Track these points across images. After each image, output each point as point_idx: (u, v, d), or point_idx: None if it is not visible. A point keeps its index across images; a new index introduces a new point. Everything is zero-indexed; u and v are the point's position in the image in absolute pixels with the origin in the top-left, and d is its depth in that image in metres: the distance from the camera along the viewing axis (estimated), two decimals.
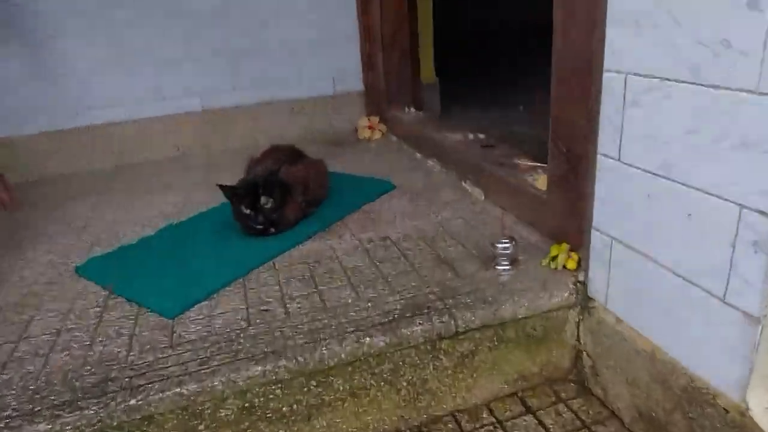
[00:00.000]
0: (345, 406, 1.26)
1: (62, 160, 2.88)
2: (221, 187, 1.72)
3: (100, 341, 1.32)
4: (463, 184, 2.13)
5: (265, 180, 1.71)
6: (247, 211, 1.69)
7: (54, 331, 1.38)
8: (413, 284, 1.44)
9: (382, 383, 1.28)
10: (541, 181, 1.65)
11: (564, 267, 1.44)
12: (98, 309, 1.47)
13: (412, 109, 2.98)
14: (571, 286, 1.38)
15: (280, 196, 1.72)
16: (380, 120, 3.08)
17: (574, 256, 1.44)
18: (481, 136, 2.34)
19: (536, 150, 2.03)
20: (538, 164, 1.79)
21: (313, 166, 1.97)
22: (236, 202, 1.72)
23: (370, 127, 3.04)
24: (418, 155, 2.60)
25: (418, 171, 2.39)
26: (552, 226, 1.57)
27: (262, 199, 1.69)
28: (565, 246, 1.46)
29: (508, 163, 1.92)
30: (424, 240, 1.71)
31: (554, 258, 1.46)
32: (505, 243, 1.44)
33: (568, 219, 1.49)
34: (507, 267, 1.46)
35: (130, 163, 2.95)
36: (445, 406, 1.35)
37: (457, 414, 1.37)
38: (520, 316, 1.34)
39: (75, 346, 1.31)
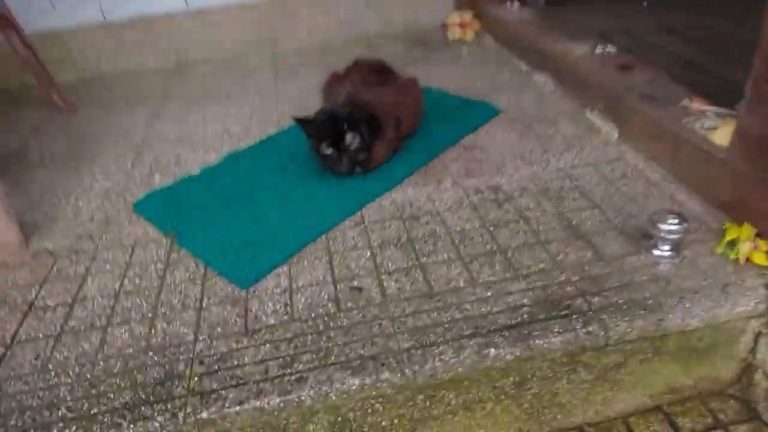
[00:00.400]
0: (455, 420, 1.03)
1: (118, 57, 2.59)
2: (297, 120, 1.40)
3: (163, 314, 1.11)
4: (588, 114, 1.71)
5: (351, 113, 1.37)
6: (329, 151, 1.38)
7: (111, 293, 1.19)
8: (542, 266, 1.13)
9: (503, 397, 1.02)
10: (720, 134, 1.22)
11: (748, 260, 1.08)
12: (160, 266, 1.25)
13: (515, 4, 2.45)
14: (763, 291, 1.03)
15: (368, 132, 1.39)
16: (474, 16, 2.56)
17: (763, 245, 1.08)
18: (611, 48, 1.85)
19: (693, 79, 1.56)
20: (718, 108, 1.34)
21: (407, 91, 1.59)
22: (316, 139, 1.40)
23: (461, 26, 2.54)
24: (523, 66, 2.14)
25: (525, 90, 1.95)
26: (730, 199, 1.18)
27: (348, 137, 1.36)
28: (748, 229, 1.09)
29: (661, 96, 1.47)
30: (546, 196, 1.36)
31: (731, 244, 1.10)
32: (674, 223, 1.08)
33: (759, 192, 1.10)
34: (669, 253, 1.11)
35: (190, 60, 2.63)
36: (573, 420, 1.10)
37: (585, 427, 1.12)
38: (689, 329, 1.02)
39: (135, 317, 1.11)
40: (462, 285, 1.10)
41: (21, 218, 1.48)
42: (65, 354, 1.04)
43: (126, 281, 1.22)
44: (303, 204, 1.39)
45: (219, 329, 1.06)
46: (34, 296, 1.20)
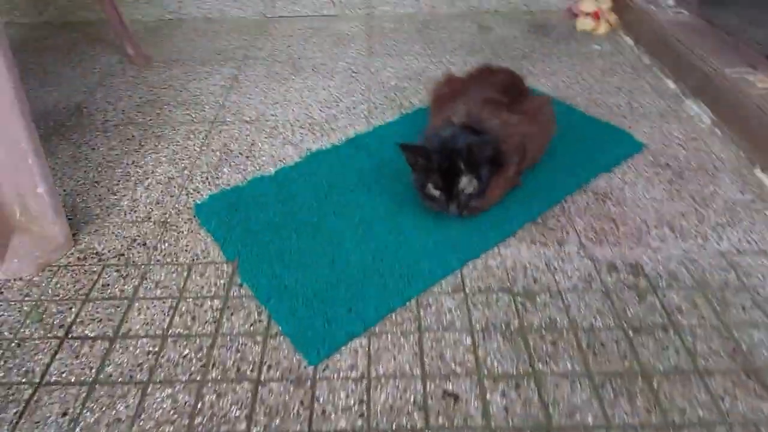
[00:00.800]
0: None
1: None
2: (403, 148, 1.13)
3: (214, 379, 0.91)
4: (760, 173, 1.34)
5: (471, 149, 1.08)
6: (436, 193, 1.11)
7: (158, 332, 1.00)
8: (700, 413, 0.85)
9: None
10: None
11: None
12: (217, 303, 1.05)
13: (670, 2, 2.01)
14: None
15: (488, 173, 1.11)
16: (613, 5, 2.14)
17: None
18: None
19: None
20: None
21: (538, 116, 1.28)
22: (422, 174, 1.13)
23: (595, 16, 2.13)
24: (671, 84, 1.75)
25: (672, 119, 1.58)
26: None
27: (463, 181, 1.09)
28: None
29: None
30: (705, 294, 1.05)
31: None
32: None
33: None
34: None
35: (276, 13, 2.36)
36: None
37: None
38: None
39: (181, 376, 0.92)
40: (591, 423, 0.84)
41: (72, 202, 1.31)
42: (96, 416, 0.87)
43: (176, 318, 1.02)
44: (391, 245, 1.14)
45: (277, 421, 0.85)
46: (72, 318, 1.03)
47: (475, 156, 1.07)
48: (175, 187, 1.37)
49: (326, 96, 1.75)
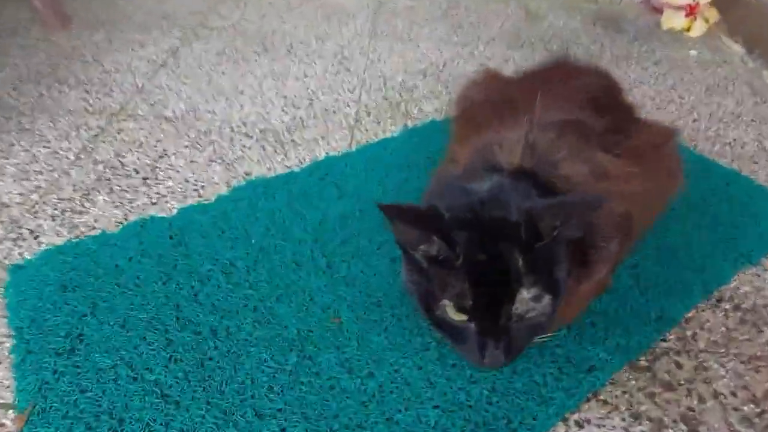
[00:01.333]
0: None
1: None
2: (387, 211, 0.50)
3: None
4: None
5: (533, 228, 0.49)
6: (460, 318, 0.51)
7: None
8: None
9: None
10: None
11: None
12: None
13: None
14: None
15: (567, 275, 0.52)
16: (713, 1, 1.54)
17: None
18: None
19: None
20: None
21: (657, 162, 0.67)
22: (428, 272, 0.52)
23: (689, 10, 1.53)
24: None
25: None
26: None
27: (522, 297, 0.49)
28: None
29: None
30: None
31: None
32: None
33: None
34: None
35: None
36: None
37: None
38: None
39: None
40: None
41: None
42: None
43: None
44: (355, 401, 0.56)
45: None
46: None
47: (551, 243, 0.48)
48: (2, 222, 0.80)
49: (297, 89, 1.17)
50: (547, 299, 0.50)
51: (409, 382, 0.59)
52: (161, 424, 0.54)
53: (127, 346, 0.61)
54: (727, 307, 0.72)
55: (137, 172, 0.91)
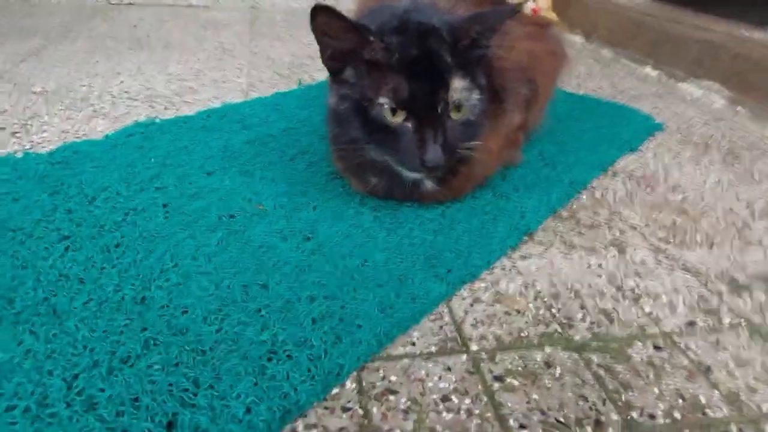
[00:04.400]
0: None
1: None
2: (319, 11, 0.49)
3: None
4: None
5: (464, 27, 0.51)
6: (395, 120, 0.51)
7: None
8: None
9: None
10: None
11: None
12: None
13: None
14: None
15: (484, 97, 0.54)
16: (551, 6, 1.80)
17: None
18: None
19: None
20: None
21: (545, 38, 0.74)
22: (361, 81, 0.52)
23: (534, 13, 1.77)
24: (650, 71, 1.37)
25: (677, 100, 1.16)
26: None
27: (456, 85, 0.50)
28: None
29: None
30: None
31: None
32: None
33: None
34: None
35: (125, 2, 1.74)
36: None
37: None
38: None
39: None
40: None
41: None
42: None
43: None
44: (292, 267, 0.51)
45: None
46: None
47: (471, 43, 0.50)
48: None
49: (181, 69, 1.13)
50: (476, 95, 0.51)
51: (350, 235, 0.55)
52: (64, 296, 0.45)
53: (9, 248, 0.51)
54: (623, 176, 0.79)
55: (2, 129, 0.80)
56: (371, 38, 0.49)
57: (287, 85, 1.07)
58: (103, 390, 0.37)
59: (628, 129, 0.94)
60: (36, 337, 0.41)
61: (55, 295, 0.45)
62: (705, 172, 0.83)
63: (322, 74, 1.15)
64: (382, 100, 0.49)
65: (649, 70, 1.38)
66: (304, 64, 1.22)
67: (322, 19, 0.49)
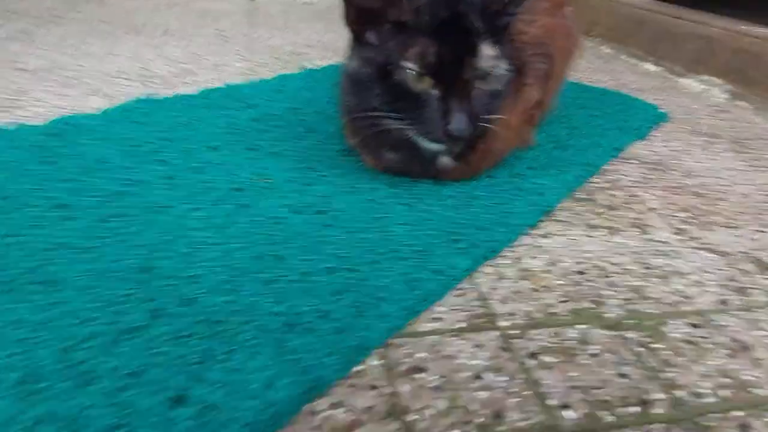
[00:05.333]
0: None
1: None
2: None
3: None
4: None
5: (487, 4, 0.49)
6: (422, 85, 0.48)
7: None
8: None
9: None
10: None
11: None
12: None
13: None
14: None
15: (510, 68, 0.52)
16: None
17: None
18: None
19: None
20: None
21: (561, 10, 0.72)
22: (386, 44, 0.49)
23: None
24: (653, 67, 1.36)
25: (679, 94, 1.15)
26: None
27: (484, 52, 0.47)
28: None
29: None
30: None
31: None
32: None
33: None
34: None
35: None
36: None
37: None
38: None
39: None
40: None
41: None
42: None
43: None
44: (301, 245, 0.48)
45: None
46: None
47: (502, 8, 0.48)
48: None
49: (180, 53, 1.10)
50: (504, 64, 0.49)
51: (366, 209, 0.53)
52: (60, 265, 0.41)
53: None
54: (635, 162, 0.77)
55: None
56: (384, 5, 0.47)
57: (289, 71, 1.04)
58: (103, 363, 0.34)
59: (636, 117, 0.92)
60: (29, 306, 0.38)
61: (51, 264, 0.41)
62: (716, 160, 0.81)
63: (324, 61, 1.13)
64: (408, 64, 0.47)
65: (649, 65, 1.37)
66: (304, 53, 1.19)
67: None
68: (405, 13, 0.47)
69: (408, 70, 0.47)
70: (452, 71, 0.47)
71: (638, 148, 0.83)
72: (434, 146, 0.53)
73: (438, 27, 0.47)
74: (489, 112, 0.51)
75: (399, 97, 0.49)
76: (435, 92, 0.48)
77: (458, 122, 0.46)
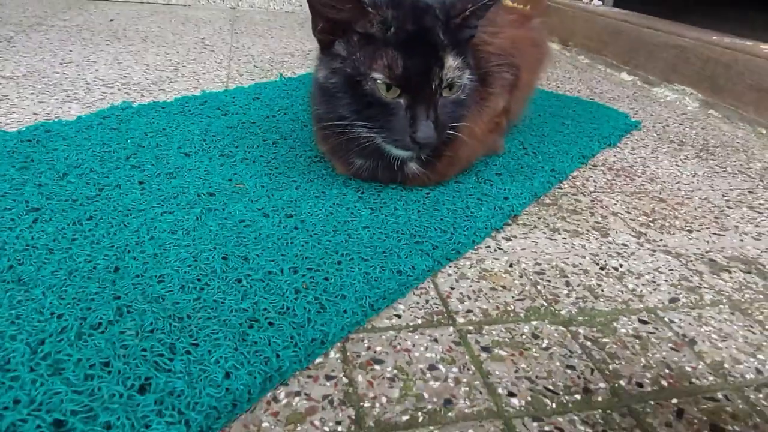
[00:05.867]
0: None
1: None
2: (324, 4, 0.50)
3: None
4: None
5: (456, 5, 0.51)
6: (389, 95, 0.50)
7: None
8: None
9: None
10: None
11: None
12: None
13: (596, 1, 1.74)
14: None
15: (473, 61, 0.54)
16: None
17: None
18: None
19: None
20: None
21: (529, 29, 0.75)
22: (353, 55, 0.51)
23: None
24: (628, 77, 1.40)
25: (652, 102, 1.19)
26: None
27: (449, 63, 0.50)
28: None
29: None
30: None
31: None
32: None
33: None
34: None
35: None
36: None
37: None
38: None
39: None
40: None
41: None
42: None
43: None
44: (266, 248, 0.50)
45: None
46: None
47: (463, 22, 0.50)
48: None
49: (159, 60, 1.11)
50: (467, 74, 0.51)
51: (333, 213, 0.54)
52: (32, 265, 0.42)
53: None
54: (603, 168, 0.80)
55: None
56: (369, 9, 0.49)
57: (268, 78, 1.06)
58: (70, 355, 0.35)
59: (607, 125, 0.95)
60: (0, 303, 0.39)
61: (22, 264, 0.43)
62: (681, 166, 0.84)
63: (302, 69, 1.15)
64: (376, 75, 0.49)
65: (624, 75, 1.41)
66: (284, 61, 1.21)
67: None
68: (373, 25, 0.50)
69: (376, 81, 0.49)
70: (418, 81, 0.49)
71: (607, 155, 0.86)
72: (402, 153, 0.55)
73: (404, 39, 0.49)
74: (454, 120, 0.53)
75: (367, 106, 0.51)
76: (402, 101, 0.50)
77: (425, 130, 0.49)
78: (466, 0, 0.51)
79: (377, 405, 0.36)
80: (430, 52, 0.49)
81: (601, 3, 1.73)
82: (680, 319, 0.48)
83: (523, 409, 0.36)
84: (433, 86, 0.49)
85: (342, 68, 0.51)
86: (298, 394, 0.36)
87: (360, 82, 0.50)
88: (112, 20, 1.44)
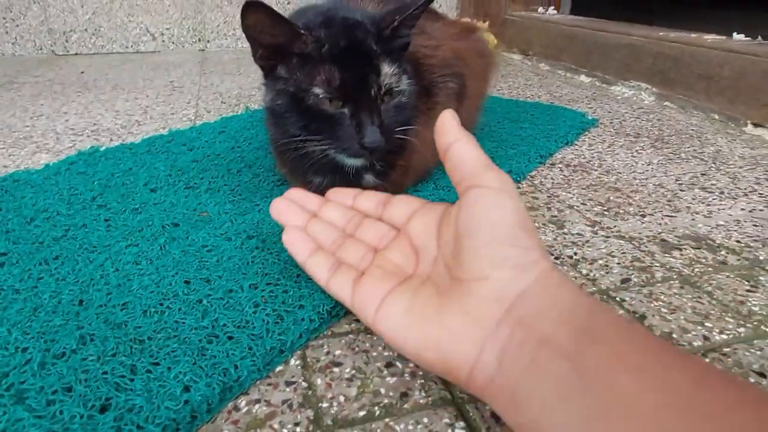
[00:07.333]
0: None
1: None
2: (252, 5, 0.50)
3: None
4: (751, 128, 0.99)
5: (386, 18, 0.54)
6: (332, 107, 0.52)
7: None
8: None
9: None
10: None
11: None
12: None
13: (551, 10, 1.80)
14: None
15: (413, 87, 0.57)
16: (490, 25, 1.89)
17: None
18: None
19: None
20: None
21: (471, 40, 0.78)
22: (293, 76, 0.54)
23: None
24: (586, 79, 1.44)
25: (610, 100, 1.23)
26: None
27: (385, 71, 0.53)
28: None
29: None
30: None
31: None
32: None
33: None
34: None
35: (72, 53, 1.74)
36: None
37: None
38: None
39: None
40: None
41: None
42: None
43: None
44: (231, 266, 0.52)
45: None
46: None
47: (394, 32, 0.53)
48: None
49: (129, 106, 1.14)
50: (405, 79, 0.54)
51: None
52: (1, 305, 0.44)
53: None
54: (560, 166, 0.83)
55: None
56: (302, 32, 0.52)
57: (234, 112, 1.09)
58: (33, 384, 0.36)
59: (565, 125, 0.98)
60: None
61: None
62: (636, 156, 0.87)
63: None
64: (317, 90, 0.52)
65: (583, 77, 1.45)
66: (251, 95, 1.24)
67: (254, 15, 0.51)
68: (308, 45, 0.52)
69: (318, 96, 0.52)
70: (358, 91, 0.52)
71: (565, 154, 0.89)
72: (354, 161, 0.57)
73: (339, 53, 0.52)
74: (400, 124, 0.56)
75: (314, 120, 0.53)
76: (346, 111, 0.53)
77: (371, 135, 0.51)
78: (395, 11, 0.55)
79: (335, 404, 0.37)
80: (366, 62, 0.52)
81: (555, 12, 1.79)
82: (631, 297, 0.50)
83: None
84: (373, 93, 0.52)
85: (285, 89, 0.54)
86: (258, 401, 0.37)
87: (303, 98, 0.52)
88: (82, 72, 1.48)
